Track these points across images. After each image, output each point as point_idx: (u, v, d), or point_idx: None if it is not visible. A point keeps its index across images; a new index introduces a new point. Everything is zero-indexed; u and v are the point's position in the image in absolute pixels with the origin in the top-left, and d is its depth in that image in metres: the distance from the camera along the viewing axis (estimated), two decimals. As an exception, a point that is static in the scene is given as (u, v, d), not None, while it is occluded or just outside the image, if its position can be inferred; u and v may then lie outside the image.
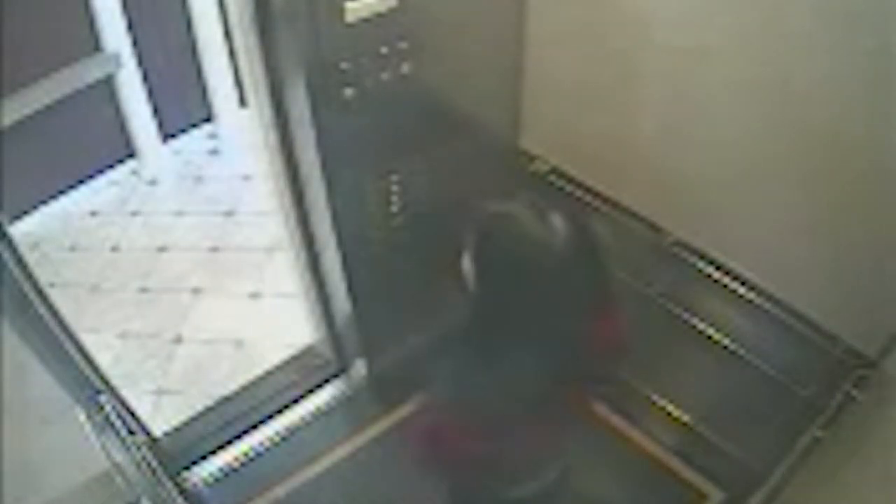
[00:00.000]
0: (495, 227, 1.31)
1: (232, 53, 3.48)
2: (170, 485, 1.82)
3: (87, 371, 1.73)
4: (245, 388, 2.70)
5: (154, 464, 1.75)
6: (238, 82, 3.72)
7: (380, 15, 1.83)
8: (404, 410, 2.62)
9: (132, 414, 1.97)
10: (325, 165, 1.98)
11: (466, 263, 1.34)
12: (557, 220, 1.28)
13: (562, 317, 1.32)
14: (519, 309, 1.30)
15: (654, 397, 2.47)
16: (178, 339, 2.99)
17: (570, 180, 2.31)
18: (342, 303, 2.40)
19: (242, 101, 3.77)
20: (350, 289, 2.31)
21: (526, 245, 1.26)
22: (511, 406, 1.35)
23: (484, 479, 1.64)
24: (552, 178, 2.33)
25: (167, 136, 3.88)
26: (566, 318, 1.33)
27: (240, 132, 3.90)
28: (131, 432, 1.77)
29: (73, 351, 1.67)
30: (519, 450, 1.48)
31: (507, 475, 1.61)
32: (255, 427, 2.57)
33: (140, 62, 3.51)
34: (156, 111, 3.71)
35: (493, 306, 1.33)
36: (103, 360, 1.89)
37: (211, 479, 2.45)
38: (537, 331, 1.32)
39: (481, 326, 1.36)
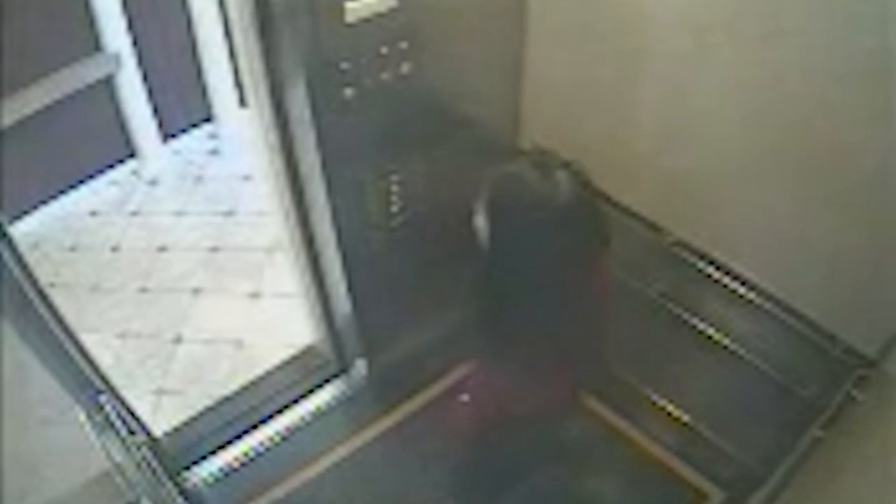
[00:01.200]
0: (503, 186, 1.47)
1: (232, 53, 3.48)
2: (170, 485, 1.82)
3: (87, 371, 1.73)
4: (245, 388, 2.70)
5: (154, 464, 1.75)
6: (238, 82, 3.72)
7: (380, 15, 1.83)
8: (404, 410, 2.63)
9: (132, 414, 1.97)
10: (325, 165, 1.98)
11: (480, 221, 1.50)
12: (561, 175, 1.40)
13: (566, 263, 1.47)
14: (527, 259, 1.44)
15: (654, 397, 2.47)
16: (178, 339, 2.99)
17: (570, 180, 2.30)
18: (342, 303, 2.40)
19: (242, 101, 3.77)
20: (350, 289, 2.31)
21: (530, 200, 1.41)
22: (530, 346, 1.55)
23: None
24: (552, 178, 2.32)
25: (167, 136, 3.88)
26: (570, 264, 1.48)
27: (240, 132, 3.90)
28: (131, 432, 1.77)
29: (73, 351, 1.67)
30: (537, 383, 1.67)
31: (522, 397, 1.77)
32: (255, 427, 2.57)
33: (140, 62, 3.51)
34: (156, 111, 3.71)
35: (505, 258, 1.49)
36: (103, 360, 1.88)
37: (211, 479, 2.45)
38: (546, 278, 1.47)
39: (495, 278, 1.53)
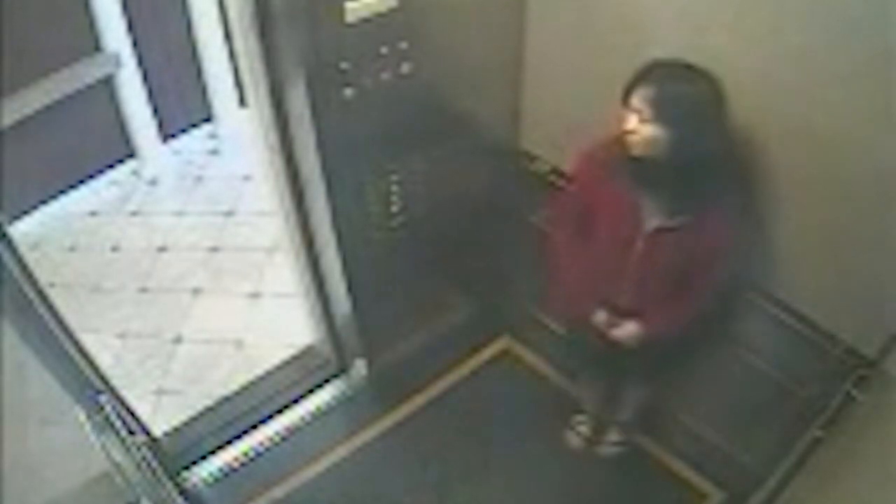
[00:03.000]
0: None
1: (232, 53, 3.48)
2: (170, 485, 1.82)
3: (87, 371, 1.73)
4: (245, 388, 2.70)
5: (154, 464, 1.75)
6: (238, 82, 3.72)
7: (380, 15, 1.83)
8: (404, 410, 2.63)
9: (132, 414, 1.96)
10: (325, 165, 1.98)
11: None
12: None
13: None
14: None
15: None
16: (178, 339, 2.99)
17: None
18: (342, 303, 2.40)
19: (242, 101, 3.77)
20: (350, 289, 2.31)
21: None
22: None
23: None
24: (552, 178, 2.32)
25: (167, 136, 3.88)
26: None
27: (240, 132, 3.90)
28: (131, 432, 1.77)
29: (73, 351, 1.67)
30: None
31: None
32: (255, 427, 2.58)
33: (140, 62, 3.51)
34: (156, 111, 3.71)
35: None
36: (103, 360, 1.89)
37: (211, 479, 2.45)
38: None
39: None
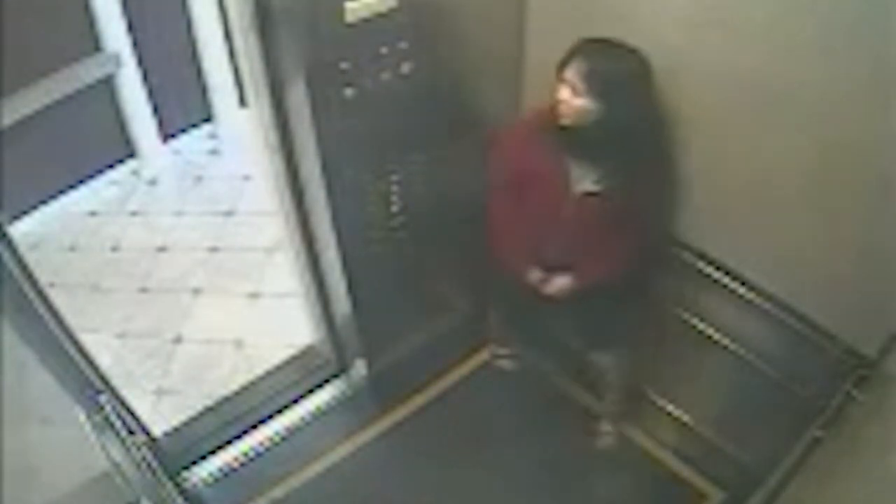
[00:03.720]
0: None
1: (232, 54, 3.48)
2: (170, 485, 1.82)
3: (87, 371, 1.73)
4: (245, 388, 2.70)
5: (154, 464, 1.75)
6: (238, 82, 3.72)
7: (380, 15, 1.83)
8: (404, 410, 2.63)
9: (132, 414, 1.97)
10: (325, 165, 1.98)
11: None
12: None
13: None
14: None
15: (654, 397, 2.47)
16: (178, 339, 2.99)
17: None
18: (342, 303, 2.40)
19: (242, 101, 3.77)
20: (350, 289, 2.31)
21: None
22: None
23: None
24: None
25: (167, 136, 3.88)
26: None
27: (240, 132, 3.90)
28: (131, 432, 1.77)
29: (73, 351, 1.67)
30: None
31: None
32: (255, 427, 2.58)
33: (140, 62, 3.51)
34: (156, 111, 3.71)
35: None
36: (103, 360, 1.89)
37: (211, 479, 2.45)
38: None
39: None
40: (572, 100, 1.74)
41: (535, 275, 2.07)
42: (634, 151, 1.82)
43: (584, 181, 1.86)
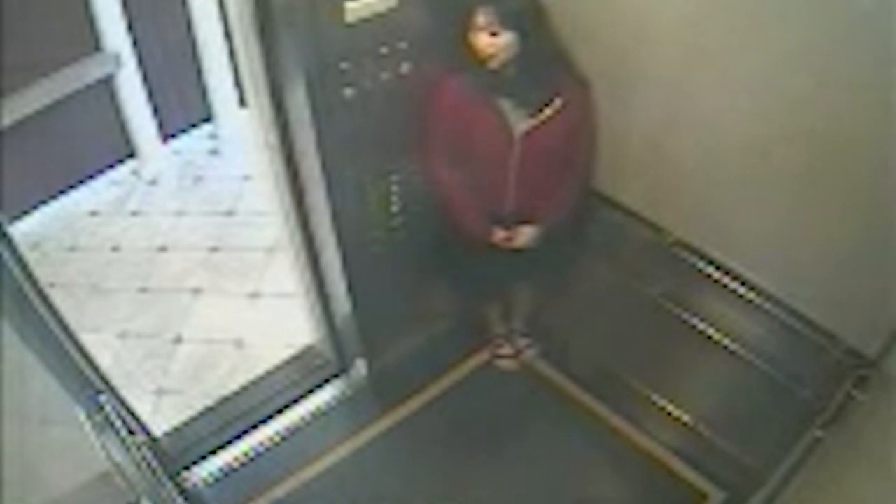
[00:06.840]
0: None
1: (232, 53, 3.48)
2: (170, 485, 1.82)
3: (87, 371, 1.73)
4: (245, 388, 2.70)
5: (154, 464, 1.75)
6: (238, 82, 3.71)
7: (380, 15, 1.83)
8: (404, 410, 2.63)
9: (132, 414, 1.96)
10: (325, 166, 1.98)
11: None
12: None
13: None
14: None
15: (654, 397, 2.47)
16: (178, 339, 2.99)
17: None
18: (342, 303, 2.40)
19: (242, 101, 3.77)
20: (350, 289, 2.31)
21: None
22: None
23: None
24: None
25: (167, 136, 3.88)
26: None
27: (240, 132, 3.90)
28: (131, 432, 1.76)
29: (73, 351, 1.67)
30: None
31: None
32: (255, 427, 2.58)
33: (140, 62, 3.51)
34: (156, 111, 3.71)
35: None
36: (103, 360, 1.88)
37: (211, 479, 2.45)
38: None
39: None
40: (494, 41, 1.86)
41: (499, 234, 2.15)
42: (556, 80, 1.96)
43: (521, 121, 1.97)
